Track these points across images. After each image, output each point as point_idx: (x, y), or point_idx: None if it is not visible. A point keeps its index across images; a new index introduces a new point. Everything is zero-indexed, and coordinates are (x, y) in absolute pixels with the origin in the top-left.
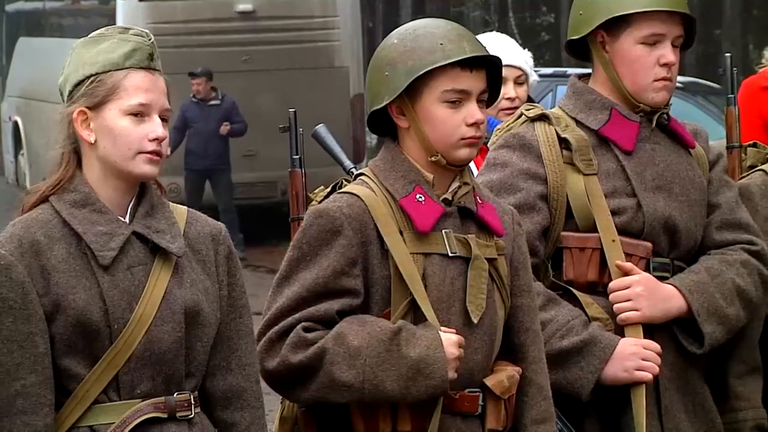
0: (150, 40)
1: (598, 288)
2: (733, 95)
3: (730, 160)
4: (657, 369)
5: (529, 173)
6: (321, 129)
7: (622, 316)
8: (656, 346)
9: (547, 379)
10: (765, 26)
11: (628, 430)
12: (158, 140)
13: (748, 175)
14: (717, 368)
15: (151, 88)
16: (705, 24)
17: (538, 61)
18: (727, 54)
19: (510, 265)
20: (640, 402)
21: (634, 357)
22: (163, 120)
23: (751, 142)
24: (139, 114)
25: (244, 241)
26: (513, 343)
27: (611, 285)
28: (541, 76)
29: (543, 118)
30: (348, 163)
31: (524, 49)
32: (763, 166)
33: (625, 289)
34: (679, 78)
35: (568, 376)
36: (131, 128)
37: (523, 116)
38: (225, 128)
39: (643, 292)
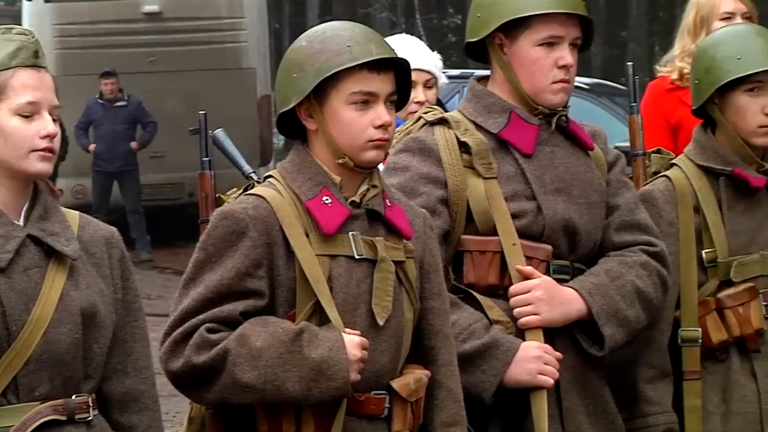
0: (34, 37)
1: (499, 291)
2: (636, 103)
3: (635, 168)
4: (557, 374)
5: (429, 177)
6: (219, 134)
7: (523, 320)
8: (557, 353)
9: (458, 382)
10: (670, 28)
11: (529, 429)
12: (50, 137)
13: (651, 181)
14: (627, 373)
15: (38, 86)
16: (611, 26)
17: (445, 63)
18: (629, 63)
19: (420, 268)
20: (540, 406)
21: (537, 360)
22: (53, 117)
23: (654, 149)
24: (28, 112)
25: (151, 243)
26: (423, 346)
27: (511, 289)
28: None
29: (442, 122)
30: (247, 168)
31: (432, 50)
32: (666, 172)
33: (525, 293)
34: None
35: (471, 379)
36: (22, 127)
37: (422, 120)
38: (135, 145)
39: (543, 296)
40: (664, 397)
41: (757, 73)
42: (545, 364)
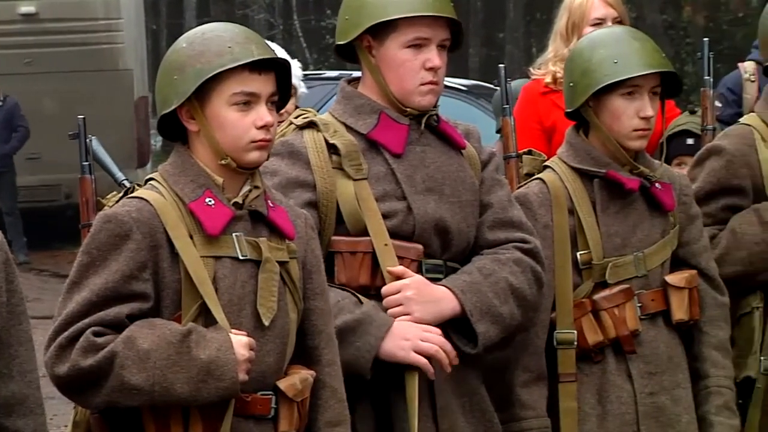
0: None
1: (371, 291)
2: (508, 105)
3: (508, 169)
4: (437, 349)
5: (297, 181)
6: (93, 142)
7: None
8: (437, 330)
9: (341, 382)
10: (547, 29)
11: (400, 421)
12: None
13: (525, 183)
14: (503, 376)
15: None
16: (488, 27)
17: (324, 64)
18: (501, 65)
19: (303, 269)
20: (412, 389)
21: (414, 338)
22: None
23: (525, 150)
24: None
25: (28, 245)
26: (307, 347)
27: (383, 290)
28: (326, 79)
29: (311, 125)
30: (119, 176)
31: (311, 52)
32: (540, 174)
33: (397, 293)
34: (463, 81)
35: (344, 356)
36: None
37: (292, 124)
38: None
39: (414, 296)
40: (539, 401)
41: (633, 77)
42: (424, 340)
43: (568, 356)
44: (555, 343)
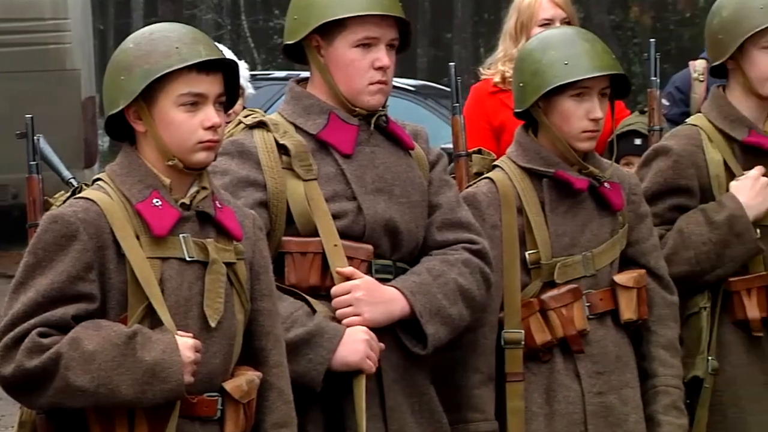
0: None
1: (321, 292)
2: (458, 104)
3: (458, 168)
4: (377, 363)
5: (248, 181)
6: (40, 140)
7: (345, 321)
8: (380, 344)
9: (288, 383)
10: (495, 30)
11: (350, 422)
12: None
13: (475, 183)
14: (452, 377)
15: None
16: (436, 27)
17: (272, 64)
18: (451, 63)
19: (250, 270)
20: (360, 392)
21: (365, 343)
22: None
23: (475, 149)
24: None
25: None
26: (254, 348)
27: (333, 290)
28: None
29: (261, 125)
30: (66, 174)
31: (258, 52)
32: (489, 174)
33: (347, 293)
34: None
35: (298, 368)
36: None
37: (242, 123)
38: None
39: (364, 296)
40: (488, 404)
41: (583, 79)
42: (372, 349)
43: (515, 356)
44: (502, 342)
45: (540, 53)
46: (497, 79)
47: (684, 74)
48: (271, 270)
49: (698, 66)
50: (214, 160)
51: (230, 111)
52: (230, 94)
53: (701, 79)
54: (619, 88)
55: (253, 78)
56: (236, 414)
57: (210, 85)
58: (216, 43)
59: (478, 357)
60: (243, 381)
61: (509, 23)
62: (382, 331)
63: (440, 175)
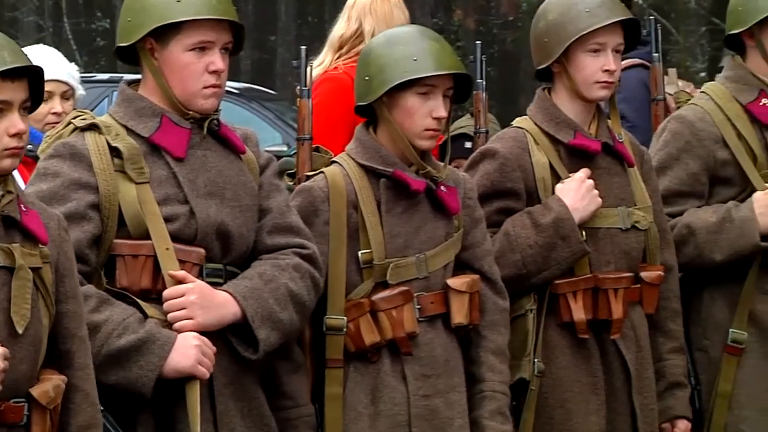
0: None
1: (152, 295)
2: (307, 88)
3: (302, 151)
4: (211, 368)
5: (80, 183)
6: None
7: (177, 325)
8: (213, 347)
9: (94, 385)
10: (319, 32)
11: (182, 425)
12: None
13: (313, 176)
14: (268, 368)
15: None
16: (260, 31)
17: (94, 67)
18: (303, 47)
19: (56, 272)
20: (194, 398)
21: (197, 349)
22: None
23: (314, 147)
24: None
25: None
26: (59, 350)
27: (165, 294)
28: (96, 81)
29: (93, 127)
30: None
31: (81, 54)
32: (325, 169)
33: (179, 297)
34: (235, 84)
35: (129, 375)
36: None
37: (72, 125)
38: None
39: (197, 300)
40: (300, 390)
41: (430, 76)
42: (204, 354)
43: (336, 342)
44: (324, 328)
45: (388, 48)
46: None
47: None
48: (77, 272)
49: None
50: (17, 166)
51: (60, 111)
52: (34, 99)
53: None
54: (458, 92)
55: None
56: (43, 420)
57: (14, 92)
58: (44, 46)
59: (290, 346)
60: (50, 386)
61: (365, 26)
62: (213, 335)
63: (270, 180)
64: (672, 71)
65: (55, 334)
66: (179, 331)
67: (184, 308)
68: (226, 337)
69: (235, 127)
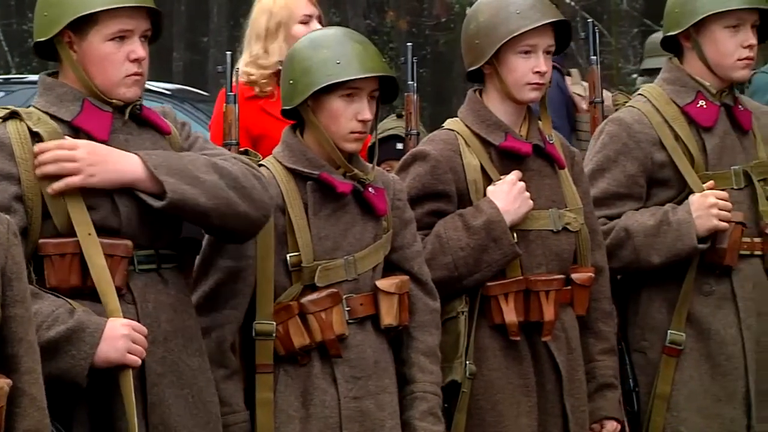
0: None
1: (84, 292)
2: (233, 93)
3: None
4: (144, 353)
5: (2, 174)
6: None
7: (62, 182)
8: (143, 328)
9: (41, 389)
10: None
11: (119, 421)
12: None
13: None
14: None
15: None
16: (192, 32)
17: (26, 68)
18: (228, 51)
19: (2, 276)
20: (128, 387)
21: (125, 338)
22: None
23: (242, 150)
24: None
25: None
26: (6, 354)
27: (46, 156)
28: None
29: (14, 115)
30: None
31: (13, 55)
32: None
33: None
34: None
35: (61, 365)
36: None
37: None
38: None
39: (88, 156)
40: (234, 396)
41: (354, 79)
42: (134, 341)
43: (265, 347)
44: (254, 333)
45: (312, 51)
46: (243, 79)
47: None
48: (25, 276)
49: None
50: None
51: None
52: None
53: None
54: (385, 93)
55: (7, 82)
56: None
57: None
58: None
59: (222, 353)
60: None
61: (258, 24)
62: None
63: (189, 132)
64: (575, 72)
65: (1, 338)
66: (65, 188)
67: (76, 162)
68: (161, 324)
69: (153, 107)
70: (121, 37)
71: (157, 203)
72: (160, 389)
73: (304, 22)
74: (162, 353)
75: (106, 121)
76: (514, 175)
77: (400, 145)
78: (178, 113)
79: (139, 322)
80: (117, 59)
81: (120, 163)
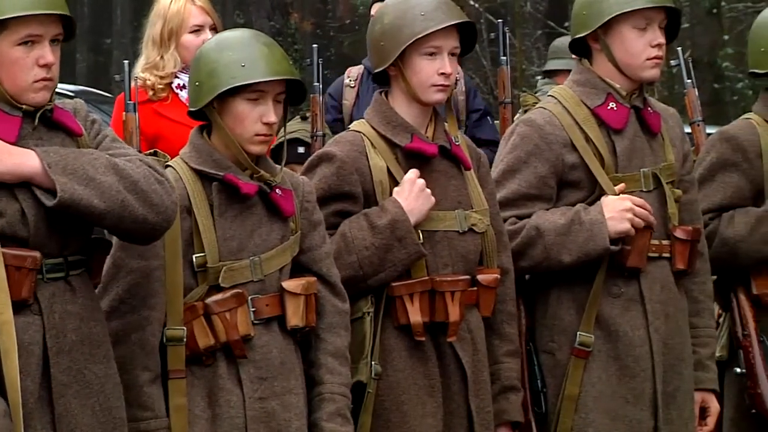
0: None
1: None
2: (132, 102)
3: None
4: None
5: None
6: None
7: None
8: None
9: None
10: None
11: None
12: None
13: None
14: (123, 376)
15: None
16: (95, 33)
17: None
18: (125, 61)
19: None
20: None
21: None
22: None
23: (151, 151)
24: None
25: None
26: None
27: None
28: None
29: None
30: None
31: None
32: None
33: None
34: (71, 87)
35: None
36: None
37: None
38: None
39: None
40: (157, 401)
41: (259, 82)
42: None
43: (177, 353)
44: (164, 339)
45: (217, 53)
46: (140, 83)
47: (338, 81)
48: None
49: (351, 72)
50: None
51: None
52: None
53: (352, 85)
54: (293, 95)
55: None
56: None
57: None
58: None
59: (146, 355)
60: None
61: (154, 30)
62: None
63: (99, 130)
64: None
65: None
66: None
67: None
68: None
69: (64, 102)
70: (31, 42)
71: (49, 202)
72: (66, 400)
73: (195, 32)
74: (68, 363)
75: (14, 125)
76: (413, 173)
77: (301, 149)
78: None
79: (44, 333)
80: (25, 64)
81: (18, 157)
